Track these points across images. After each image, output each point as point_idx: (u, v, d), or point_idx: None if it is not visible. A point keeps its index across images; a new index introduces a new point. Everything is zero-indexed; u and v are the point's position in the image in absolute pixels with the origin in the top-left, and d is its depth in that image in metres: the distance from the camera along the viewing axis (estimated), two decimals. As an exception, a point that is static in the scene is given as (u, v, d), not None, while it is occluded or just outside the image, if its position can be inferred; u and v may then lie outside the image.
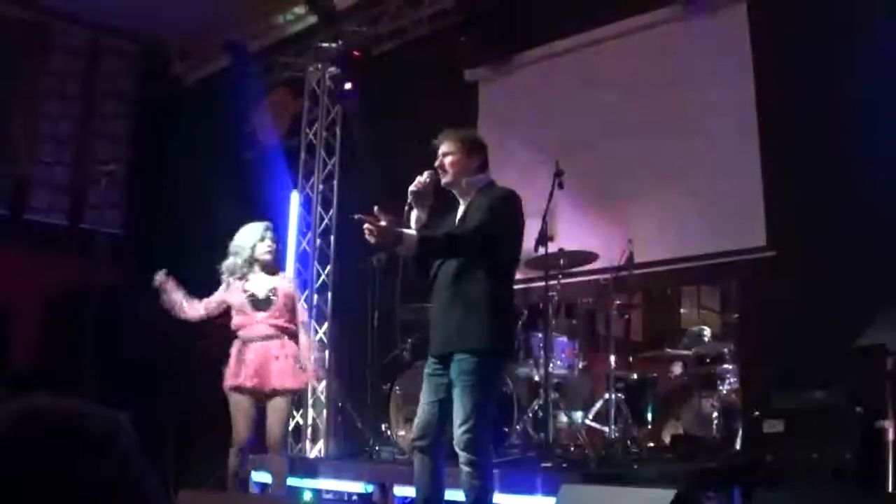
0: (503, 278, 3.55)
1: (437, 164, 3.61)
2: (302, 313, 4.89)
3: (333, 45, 7.46)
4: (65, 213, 8.42)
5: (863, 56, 4.74)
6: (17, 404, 0.94)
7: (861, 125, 4.64)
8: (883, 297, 3.99)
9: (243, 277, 4.66)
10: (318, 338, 6.96)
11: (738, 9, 5.58)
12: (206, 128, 8.11)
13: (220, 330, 4.77)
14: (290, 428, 6.25)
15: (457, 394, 3.35)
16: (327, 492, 5.35)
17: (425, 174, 3.54)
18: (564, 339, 5.48)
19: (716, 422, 5.23)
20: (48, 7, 8.16)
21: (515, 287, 3.83)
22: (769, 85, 5.30)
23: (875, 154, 4.50)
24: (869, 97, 4.62)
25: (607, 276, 5.49)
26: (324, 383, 6.89)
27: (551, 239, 4.92)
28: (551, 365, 5.09)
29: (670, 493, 3.32)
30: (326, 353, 6.94)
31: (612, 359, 5.33)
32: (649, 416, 5.75)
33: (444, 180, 3.60)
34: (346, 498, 5.27)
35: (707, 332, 5.67)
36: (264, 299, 4.61)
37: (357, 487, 5.14)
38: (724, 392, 5.31)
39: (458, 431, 3.32)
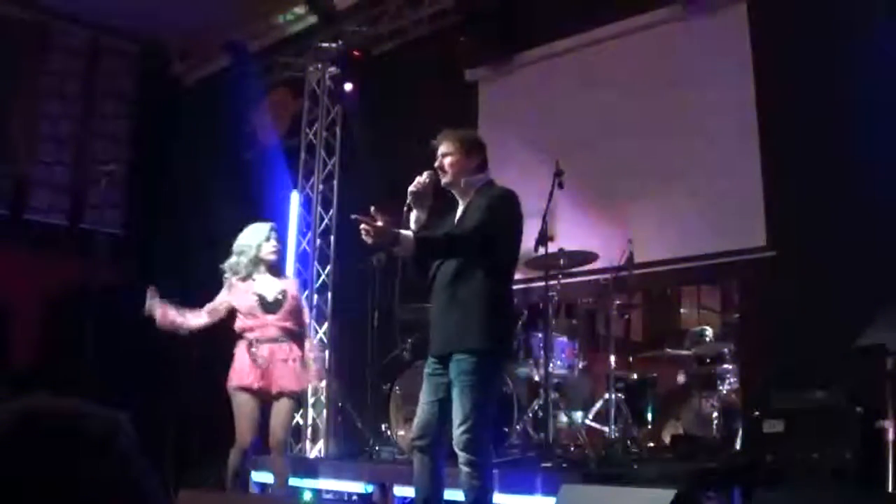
0: (502, 278, 3.55)
1: (436, 164, 3.61)
2: (307, 316, 4.91)
3: (333, 45, 7.47)
4: (65, 213, 8.41)
5: (863, 56, 4.74)
6: (17, 404, 0.94)
7: (861, 125, 4.64)
8: (883, 297, 3.99)
9: (247, 278, 4.62)
10: (318, 338, 6.96)
11: (738, 9, 5.58)
12: (206, 128, 8.11)
13: (203, 332, 4.72)
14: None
15: (456, 394, 3.35)
16: (327, 492, 5.35)
17: (425, 174, 3.54)
18: (564, 339, 5.48)
19: (716, 422, 5.22)
20: (48, 7, 8.15)
21: (515, 287, 3.84)
22: (769, 85, 5.30)
23: (875, 154, 4.50)
24: (869, 97, 4.62)
25: (607, 276, 5.49)
26: (324, 383, 6.89)
27: (551, 239, 4.92)
28: (551, 365, 5.10)
29: (670, 493, 3.32)
30: (326, 353, 6.94)
31: (612, 359, 5.33)
32: (649, 416, 5.74)
33: (444, 180, 3.60)
34: (346, 498, 5.27)
35: (709, 332, 5.66)
36: (273, 302, 4.58)
37: (357, 487, 5.14)
38: (725, 392, 5.30)
39: (458, 431, 3.32)
